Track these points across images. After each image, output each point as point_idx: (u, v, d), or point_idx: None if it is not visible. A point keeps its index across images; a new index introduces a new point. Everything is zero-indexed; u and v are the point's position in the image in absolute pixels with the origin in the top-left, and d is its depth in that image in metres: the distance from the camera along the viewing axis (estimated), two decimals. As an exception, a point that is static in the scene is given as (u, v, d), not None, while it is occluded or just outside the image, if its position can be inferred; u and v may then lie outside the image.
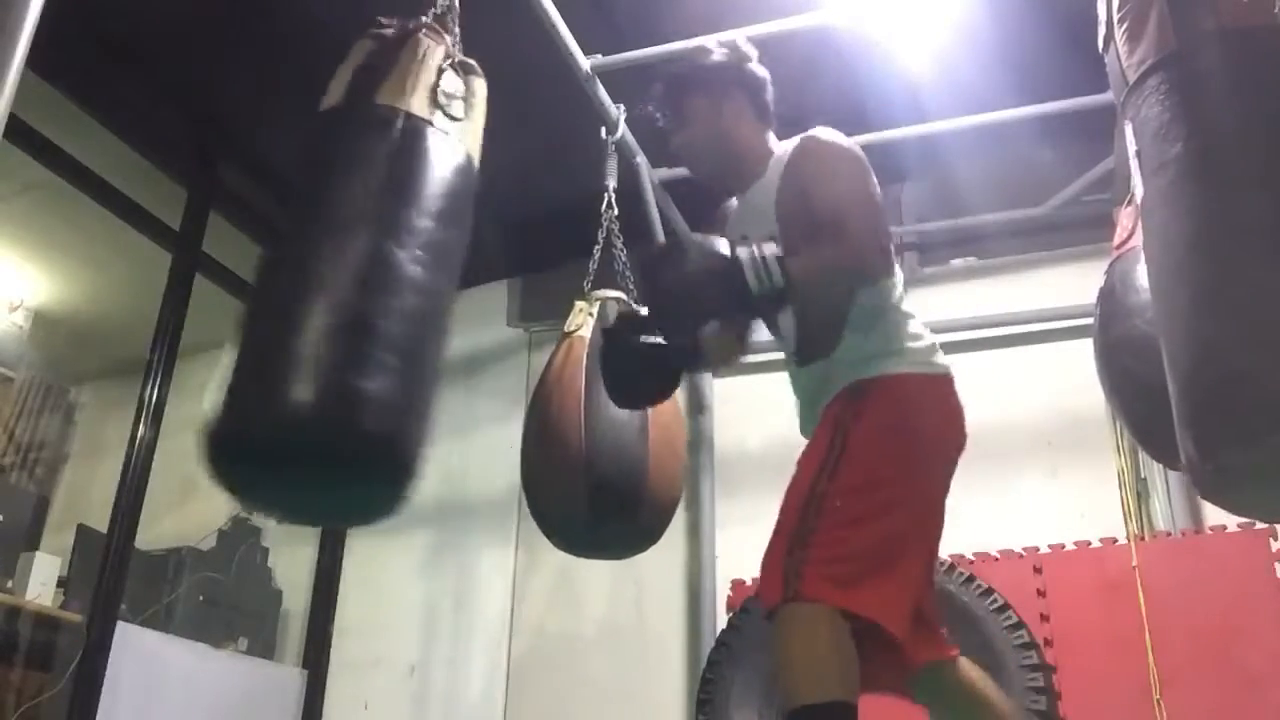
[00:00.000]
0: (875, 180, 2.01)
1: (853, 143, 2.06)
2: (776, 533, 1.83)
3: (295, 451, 1.67)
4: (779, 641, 1.71)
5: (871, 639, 1.73)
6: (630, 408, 2.14)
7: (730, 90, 2.16)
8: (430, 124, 1.97)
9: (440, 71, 2.04)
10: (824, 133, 2.07)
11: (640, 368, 1.96)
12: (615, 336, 2.03)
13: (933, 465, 1.94)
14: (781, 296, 1.79)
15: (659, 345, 1.93)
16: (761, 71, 2.22)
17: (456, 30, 2.25)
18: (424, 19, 2.18)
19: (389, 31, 2.09)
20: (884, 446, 1.86)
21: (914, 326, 2.00)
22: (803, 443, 1.99)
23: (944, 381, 1.98)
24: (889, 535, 1.79)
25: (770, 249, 1.78)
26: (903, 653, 1.80)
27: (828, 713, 1.63)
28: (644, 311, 1.96)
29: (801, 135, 2.10)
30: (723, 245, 1.80)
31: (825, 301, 1.95)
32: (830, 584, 1.70)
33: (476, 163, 2.07)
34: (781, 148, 2.13)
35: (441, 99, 2.00)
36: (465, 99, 2.09)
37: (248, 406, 1.69)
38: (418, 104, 1.97)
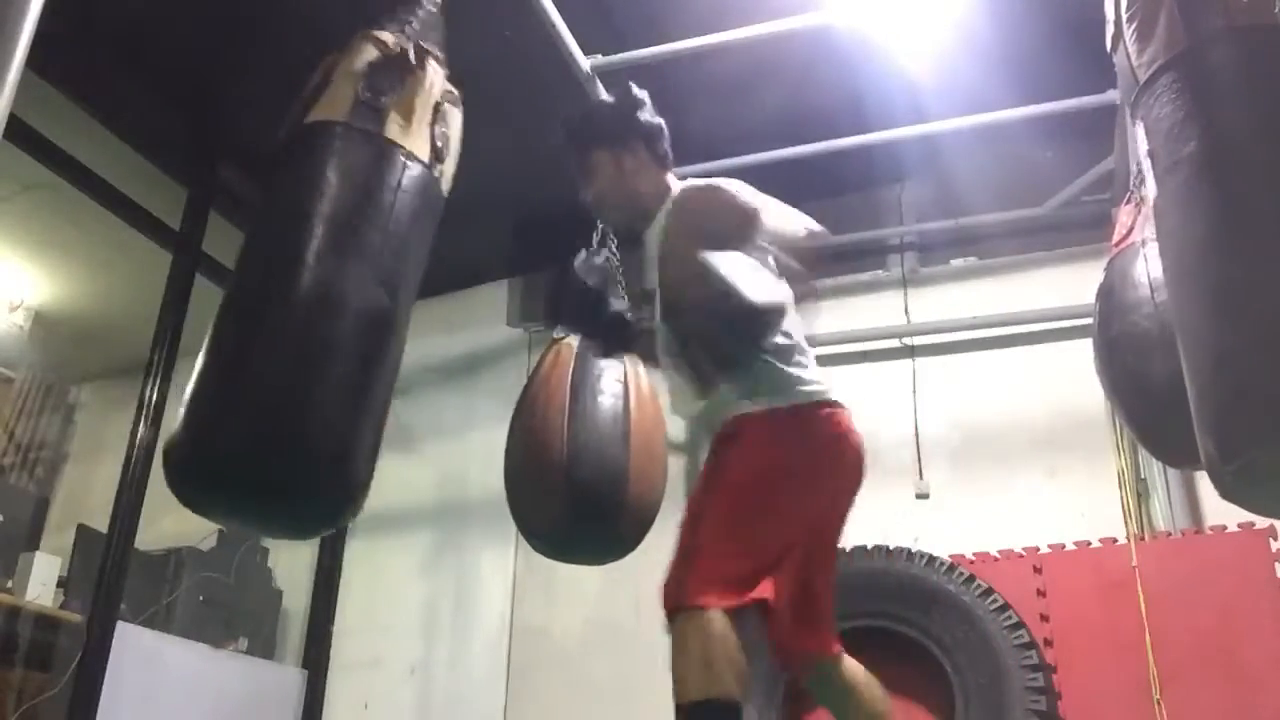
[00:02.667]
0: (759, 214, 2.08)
1: (733, 185, 2.13)
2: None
3: (241, 475, 1.79)
4: (673, 645, 1.91)
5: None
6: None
7: (627, 141, 2.27)
8: (428, 168, 1.99)
9: (438, 108, 2.05)
10: (701, 183, 2.20)
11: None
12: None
13: (799, 487, 2.03)
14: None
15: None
16: (655, 118, 2.33)
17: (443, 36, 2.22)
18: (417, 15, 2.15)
19: (391, 42, 2.06)
20: (745, 476, 2.01)
21: (790, 367, 2.06)
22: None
23: (812, 411, 2.05)
24: (756, 544, 1.96)
25: None
26: (783, 642, 2.03)
27: (712, 709, 1.83)
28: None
29: (684, 184, 2.25)
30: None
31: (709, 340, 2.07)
32: (713, 590, 1.88)
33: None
34: (675, 190, 2.26)
35: (439, 140, 2.03)
36: (452, 135, 2.10)
37: (202, 433, 1.81)
38: (420, 147, 1.99)
